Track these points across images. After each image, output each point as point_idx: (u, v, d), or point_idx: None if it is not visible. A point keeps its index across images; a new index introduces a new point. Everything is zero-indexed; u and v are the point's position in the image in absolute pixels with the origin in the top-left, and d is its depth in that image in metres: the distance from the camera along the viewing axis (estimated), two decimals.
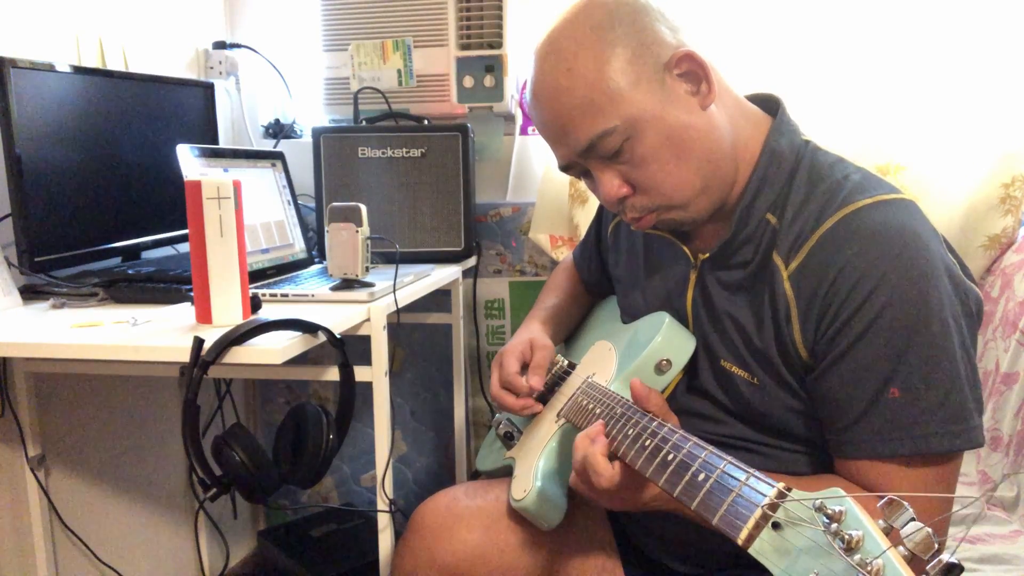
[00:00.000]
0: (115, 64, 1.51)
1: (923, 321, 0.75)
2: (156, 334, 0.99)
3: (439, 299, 1.73)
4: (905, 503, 0.44)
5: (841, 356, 0.78)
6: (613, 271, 1.14)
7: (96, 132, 1.32)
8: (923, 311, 0.75)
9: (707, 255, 0.91)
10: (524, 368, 1.06)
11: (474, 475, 1.79)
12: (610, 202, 0.87)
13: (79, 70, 1.30)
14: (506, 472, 1.06)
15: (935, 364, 0.75)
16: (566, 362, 1.11)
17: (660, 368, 0.92)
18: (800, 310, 0.81)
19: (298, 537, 1.81)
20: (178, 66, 1.75)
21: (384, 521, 1.18)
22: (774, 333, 0.83)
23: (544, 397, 1.06)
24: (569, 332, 1.24)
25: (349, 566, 1.67)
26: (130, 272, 1.26)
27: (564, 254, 1.74)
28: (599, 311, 1.24)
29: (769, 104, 0.92)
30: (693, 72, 0.83)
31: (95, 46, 1.47)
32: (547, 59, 0.84)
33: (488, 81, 1.68)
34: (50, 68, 1.22)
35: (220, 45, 1.85)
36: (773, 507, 0.51)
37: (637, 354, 0.93)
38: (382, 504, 1.17)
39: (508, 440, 1.10)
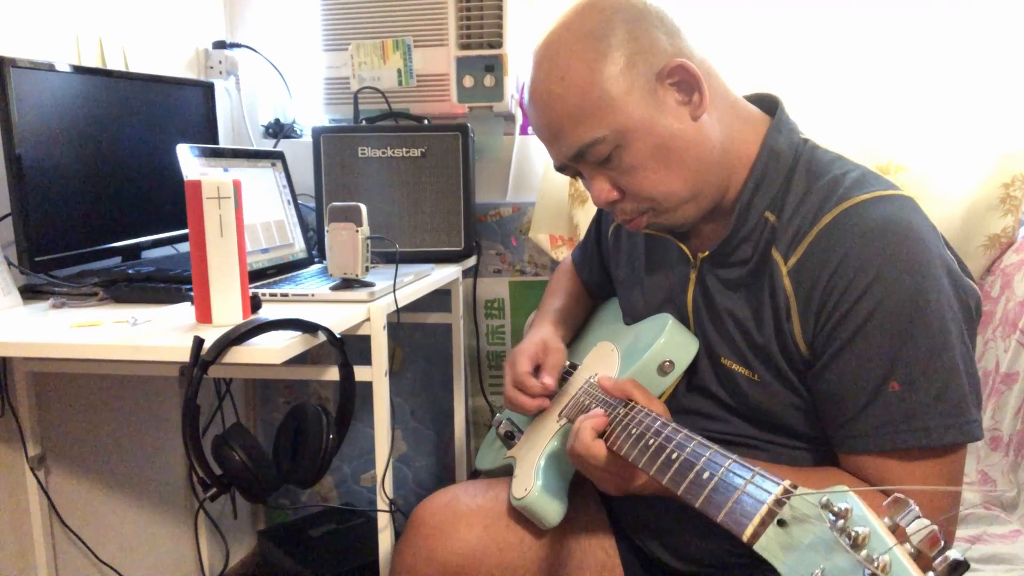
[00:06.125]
0: (115, 64, 1.51)
1: (920, 315, 0.75)
2: (156, 334, 0.99)
3: (439, 299, 1.73)
4: (910, 500, 0.44)
5: (840, 351, 0.78)
6: (614, 272, 1.14)
7: (96, 132, 1.32)
8: (920, 305, 0.75)
9: (706, 253, 0.91)
10: (536, 370, 1.06)
11: (473, 474, 1.79)
12: (600, 205, 0.90)
13: (79, 70, 1.30)
14: (506, 471, 1.06)
15: (933, 357, 0.75)
16: (568, 362, 1.11)
17: (663, 369, 0.92)
18: (800, 305, 0.81)
19: (298, 537, 1.81)
20: (178, 66, 1.75)
21: (384, 521, 1.18)
22: (774, 329, 0.84)
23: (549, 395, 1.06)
24: (574, 334, 1.24)
25: (349, 566, 1.67)
26: (130, 272, 1.26)
27: (564, 254, 1.74)
28: (602, 312, 1.24)
29: (768, 104, 0.92)
30: (685, 82, 0.83)
31: (95, 46, 1.47)
32: (542, 65, 0.85)
33: (488, 81, 1.68)
34: (50, 68, 1.22)
35: (220, 45, 1.85)
36: (779, 504, 0.52)
37: (640, 355, 0.93)
38: (382, 504, 1.17)
39: (509, 439, 1.10)
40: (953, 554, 0.41)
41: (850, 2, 1.60)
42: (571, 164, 0.88)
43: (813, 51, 1.62)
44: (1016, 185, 1.49)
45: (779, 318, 0.83)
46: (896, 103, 1.58)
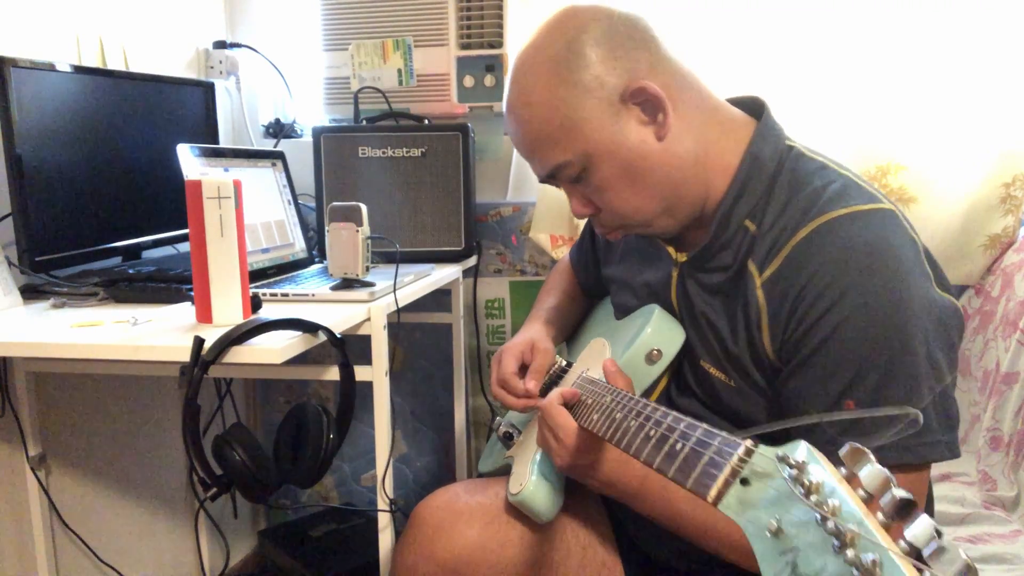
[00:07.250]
0: (115, 64, 1.52)
1: (883, 337, 0.75)
2: (156, 334, 0.99)
3: (439, 299, 1.73)
4: (867, 450, 0.46)
5: (801, 364, 0.79)
6: (606, 270, 1.15)
7: (96, 132, 1.32)
8: (884, 326, 0.75)
9: (686, 257, 0.92)
10: (523, 368, 1.06)
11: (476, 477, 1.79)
12: (578, 218, 0.93)
13: (79, 70, 1.30)
14: (506, 471, 1.06)
15: (893, 380, 0.75)
16: (564, 361, 1.12)
17: (651, 358, 0.93)
18: (769, 317, 0.82)
19: (298, 537, 1.81)
20: (178, 66, 1.75)
21: (384, 521, 1.18)
22: (747, 339, 0.84)
23: (542, 395, 1.06)
24: (569, 333, 1.24)
25: (349, 566, 1.67)
26: (130, 272, 1.26)
27: (564, 253, 1.74)
28: (598, 311, 1.25)
29: (754, 107, 0.91)
30: (649, 102, 0.83)
31: (95, 46, 1.47)
32: (513, 88, 0.88)
33: (488, 80, 1.68)
34: (50, 68, 1.22)
35: (220, 45, 1.85)
36: (741, 463, 0.53)
37: (628, 345, 0.94)
38: (382, 504, 1.18)
39: (507, 440, 1.10)
40: (899, 493, 0.42)
41: (851, 2, 1.60)
42: (549, 180, 0.91)
43: (813, 50, 1.61)
44: (1016, 184, 1.49)
45: (751, 328, 0.84)
46: (896, 102, 1.57)
